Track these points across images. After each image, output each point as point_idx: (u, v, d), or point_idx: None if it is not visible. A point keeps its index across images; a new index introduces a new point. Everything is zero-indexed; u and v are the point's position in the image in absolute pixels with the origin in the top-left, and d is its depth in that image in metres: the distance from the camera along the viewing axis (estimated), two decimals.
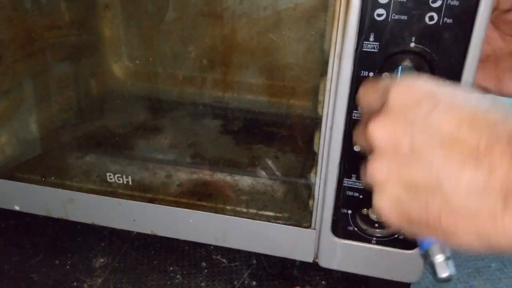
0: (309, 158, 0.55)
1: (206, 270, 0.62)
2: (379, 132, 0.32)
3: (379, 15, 0.41)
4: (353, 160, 0.48)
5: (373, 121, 0.33)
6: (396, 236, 0.51)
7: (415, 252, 0.52)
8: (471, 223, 0.29)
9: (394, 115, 0.32)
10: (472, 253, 0.67)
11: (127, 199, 0.60)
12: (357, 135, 0.41)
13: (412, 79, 0.34)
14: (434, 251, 0.34)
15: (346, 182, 0.49)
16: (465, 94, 0.31)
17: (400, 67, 0.42)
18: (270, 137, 0.67)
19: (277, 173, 0.63)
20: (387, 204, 0.33)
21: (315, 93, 0.51)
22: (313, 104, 0.53)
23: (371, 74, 0.43)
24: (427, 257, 0.35)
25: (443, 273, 0.34)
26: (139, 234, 0.67)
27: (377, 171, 0.33)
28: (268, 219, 0.57)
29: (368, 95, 0.38)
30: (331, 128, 0.47)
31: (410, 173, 0.31)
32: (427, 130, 0.30)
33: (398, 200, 0.32)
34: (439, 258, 0.34)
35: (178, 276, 0.62)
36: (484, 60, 0.47)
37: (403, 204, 0.32)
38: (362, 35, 0.42)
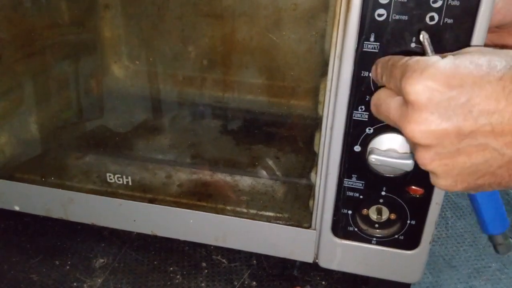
0: (309, 159, 0.55)
1: (206, 271, 0.62)
2: (417, 133, 0.33)
3: (379, 15, 0.41)
4: (353, 160, 0.48)
5: (406, 122, 0.33)
6: (396, 236, 0.51)
7: (415, 252, 0.52)
8: None
9: (425, 112, 0.32)
10: (472, 253, 0.67)
11: (127, 200, 0.60)
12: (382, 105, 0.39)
13: (424, 64, 0.33)
14: (498, 238, 0.43)
15: (346, 183, 0.49)
16: (480, 62, 0.32)
17: None
18: (270, 137, 0.67)
19: (277, 174, 0.63)
20: (451, 184, 0.34)
21: (315, 94, 0.51)
22: (313, 105, 0.53)
23: (371, 74, 0.43)
24: (490, 239, 0.43)
25: (504, 253, 0.42)
26: (139, 234, 0.67)
27: (429, 161, 0.34)
28: (268, 219, 0.57)
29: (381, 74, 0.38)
30: (331, 128, 0.47)
31: (466, 158, 0.32)
32: (469, 115, 0.31)
33: (462, 179, 0.33)
34: (502, 243, 0.43)
35: (178, 276, 0.61)
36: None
37: (468, 180, 0.33)
38: (362, 36, 0.42)
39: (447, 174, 0.34)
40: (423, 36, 0.38)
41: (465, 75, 0.31)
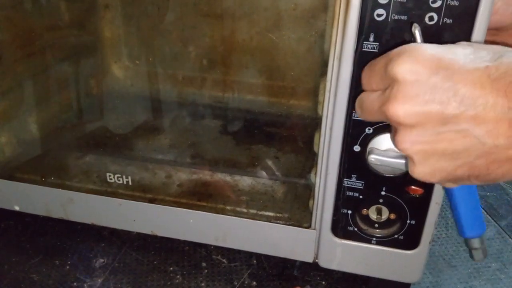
0: (309, 158, 0.55)
1: (206, 270, 0.62)
2: (401, 111, 0.33)
3: (379, 15, 0.41)
4: (353, 160, 0.48)
5: (390, 102, 0.33)
6: (396, 236, 0.51)
7: (415, 252, 0.52)
8: None
9: (411, 91, 0.32)
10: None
11: (127, 199, 0.60)
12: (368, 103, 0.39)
13: (411, 47, 0.34)
14: (474, 242, 0.44)
15: (346, 182, 0.49)
16: (467, 51, 0.32)
17: None
18: (270, 137, 0.67)
19: (277, 174, 0.63)
20: (429, 173, 0.34)
21: (315, 94, 0.51)
22: (313, 105, 0.53)
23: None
24: (466, 243, 0.45)
25: (479, 259, 0.45)
26: (139, 234, 0.67)
27: (410, 145, 0.33)
28: (268, 219, 0.57)
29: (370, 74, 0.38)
30: (331, 128, 0.47)
31: (447, 144, 0.32)
32: (453, 98, 0.31)
33: (441, 168, 0.33)
34: (477, 247, 0.44)
35: (178, 276, 0.62)
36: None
37: (447, 170, 0.33)
38: (362, 35, 0.42)
39: (426, 161, 0.33)
40: (415, 27, 0.39)
41: (452, 59, 0.32)
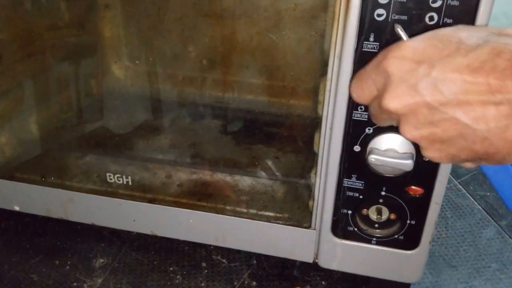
0: (309, 158, 0.55)
1: (206, 271, 0.62)
2: (391, 104, 0.34)
3: (379, 15, 0.41)
4: (353, 160, 0.48)
5: (384, 96, 0.34)
6: (396, 236, 0.51)
7: (415, 252, 0.52)
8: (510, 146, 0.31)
9: (398, 84, 0.34)
10: (472, 253, 0.67)
11: (127, 200, 0.60)
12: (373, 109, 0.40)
13: (398, 44, 0.35)
14: None
15: (346, 182, 0.49)
16: (452, 39, 0.33)
17: None
18: (270, 137, 0.67)
19: (277, 174, 0.63)
20: (438, 157, 0.35)
21: (315, 93, 0.51)
22: (313, 104, 0.53)
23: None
24: None
25: None
26: (139, 234, 0.67)
27: (410, 134, 0.35)
28: (268, 219, 0.57)
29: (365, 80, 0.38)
30: (331, 128, 0.47)
31: (441, 131, 0.33)
32: (435, 87, 0.32)
33: (447, 152, 0.35)
34: None
35: (178, 276, 0.62)
36: None
37: (452, 153, 0.34)
38: (362, 35, 0.42)
39: (431, 146, 0.35)
40: (397, 27, 0.39)
41: (434, 51, 0.33)
